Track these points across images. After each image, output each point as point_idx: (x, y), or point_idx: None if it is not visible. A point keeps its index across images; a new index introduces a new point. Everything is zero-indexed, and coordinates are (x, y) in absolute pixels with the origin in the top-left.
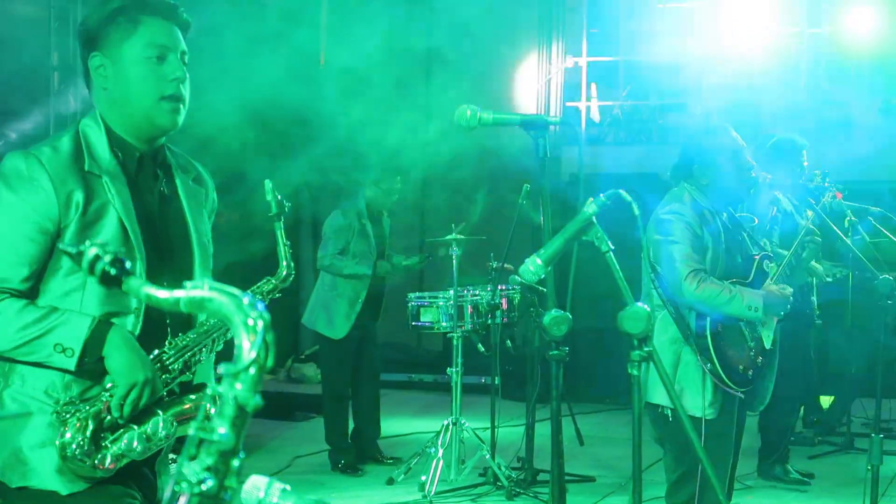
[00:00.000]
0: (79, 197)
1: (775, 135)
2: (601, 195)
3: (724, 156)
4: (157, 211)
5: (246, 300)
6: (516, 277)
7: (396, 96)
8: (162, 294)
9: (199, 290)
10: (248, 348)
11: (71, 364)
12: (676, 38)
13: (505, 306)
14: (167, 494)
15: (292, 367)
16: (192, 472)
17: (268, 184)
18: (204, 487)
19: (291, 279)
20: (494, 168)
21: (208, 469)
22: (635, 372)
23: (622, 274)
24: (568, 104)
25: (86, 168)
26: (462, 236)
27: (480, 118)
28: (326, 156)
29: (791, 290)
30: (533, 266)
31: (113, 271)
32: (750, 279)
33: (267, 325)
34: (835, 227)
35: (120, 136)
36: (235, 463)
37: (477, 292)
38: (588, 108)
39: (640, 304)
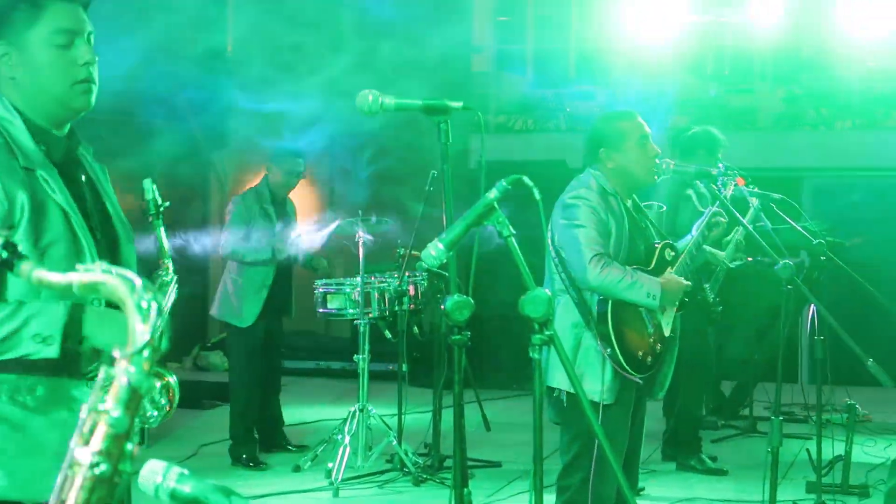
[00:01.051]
0: (22, 197)
1: (694, 126)
2: (503, 181)
3: (629, 141)
4: (89, 198)
5: (139, 283)
6: (423, 264)
7: (307, 77)
8: (55, 278)
9: (91, 273)
10: (141, 331)
11: (54, 352)
12: (585, 25)
13: (412, 293)
14: (59, 480)
15: (199, 355)
16: (84, 456)
17: (147, 183)
18: (97, 472)
19: (175, 279)
20: (406, 153)
21: (101, 453)
22: (536, 356)
23: (524, 259)
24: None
25: (21, 164)
26: (372, 219)
27: (382, 104)
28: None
29: (688, 284)
30: (435, 251)
31: (4, 254)
32: (651, 267)
33: (160, 308)
34: (737, 214)
35: (37, 124)
36: (129, 447)
37: (384, 279)
38: (496, 96)
39: (541, 288)
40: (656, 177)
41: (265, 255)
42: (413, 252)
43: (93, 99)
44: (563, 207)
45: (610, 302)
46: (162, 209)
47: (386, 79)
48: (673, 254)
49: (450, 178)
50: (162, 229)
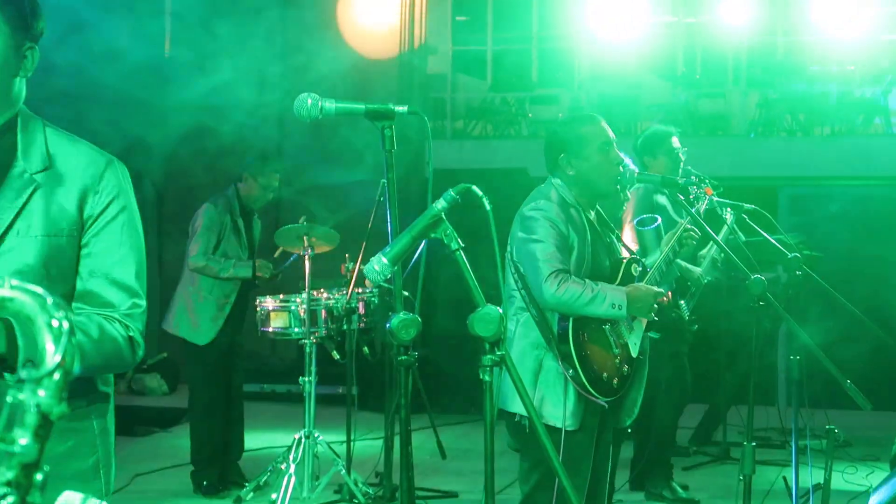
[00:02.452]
0: None
1: (651, 127)
2: (451, 190)
3: (590, 146)
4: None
5: (49, 300)
6: (377, 278)
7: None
8: None
9: None
10: (52, 352)
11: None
12: (548, 25)
13: (362, 310)
14: None
15: (133, 378)
16: None
17: None
18: None
19: None
20: (356, 160)
21: (9, 484)
22: (487, 378)
23: (477, 274)
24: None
25: None
26: (321, 229)
27: (322, 108)
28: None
29: (660, 290)
30: (378, 265)
31: None
32: (617, 283)
33: (72, 328)
34: (707, 227)
35: None
36: (39, 477)
37: (332, 295)
38: (452, 99)
39: (492, 305)
40: (618, 186)
41: (244, 274)
42: (363, 266)
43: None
44: (522, 220)
45: (571, 319)
46: None
47: (333, 81)
48: (640, 269)
49: (395, 188)
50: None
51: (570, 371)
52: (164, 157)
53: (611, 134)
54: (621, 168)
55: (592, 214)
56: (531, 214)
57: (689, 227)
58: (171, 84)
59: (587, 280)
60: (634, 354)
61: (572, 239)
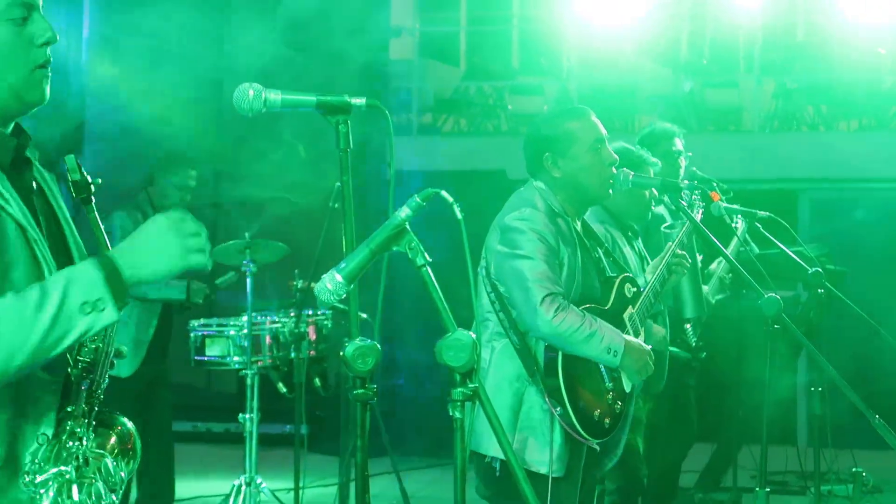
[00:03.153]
0: None
1: (651, 125)
2: (416, 196)
3: (579, 145)
4: (41, 211)
5: None
6: (330, 299)
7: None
8: None
9: None
10: None
11: (112, 315)
12: (531, 4)
13: (313, 336)
14: None
15: None
16: None
17: (70, 160)
18: None
19: None
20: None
21: None
22: (458, 415)
23: (444, 293)
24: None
25: None
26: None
27: (266, 100)
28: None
29: (649, 348)
30: (331, 283)
31: None
32: (608, 305)
33: None
34: (714, 239)
35: None
36: None
37: (278, 319)
38: (419, 90)
39: (463, 330)
40: (610, 190)
41: (176, 296)
42: (313, 284)
43: (49, 90)
44: (503, 231)
45: (560, 350)
46: (94, 191)
47: (282, 68)
48: (634, 290)
49: (351, 193)
50: (97, 217)
51: (559, 409)
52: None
53: (602, 130)
54: (614, 170)
55: (579, 225)
56: (515, 225)
57: (679, 252)
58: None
59: (586, 313)
60: (627, 389)
61: (563, 254)
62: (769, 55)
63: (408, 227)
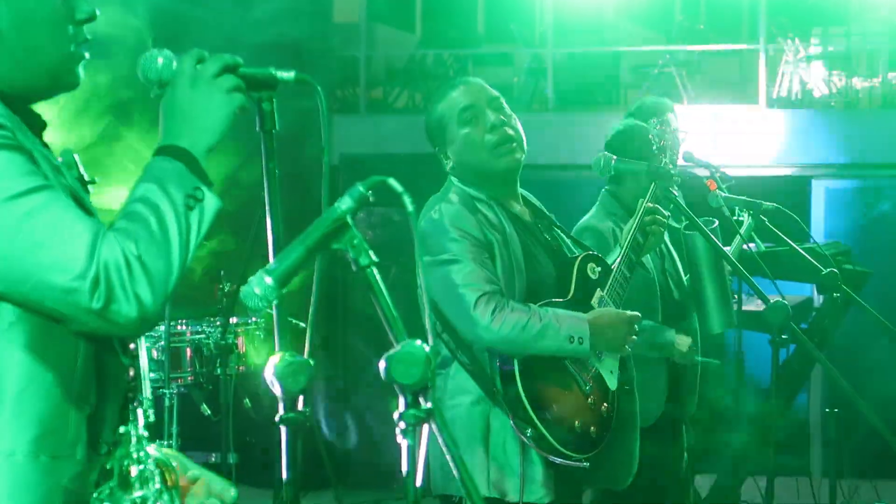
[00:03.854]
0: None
1: (640, 99)
2: (358, 185)
3: (450, 123)
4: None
5: None
6: (259, 305)
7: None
8: None
9: None
10: None
11: (215, 201)
12: None
13: (242, 349)
14: None
15: None
16: None
17: (67, 155)
18: None
19: None
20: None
21: None
22: (410, 441)
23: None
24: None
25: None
26: None
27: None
28: None
29: (634, 314)
30: (260, 287)
31: None
32: (570, 294)
33: None
34: (710, 234)
35: (9, 95)
36: None
37: (201, 329)
38: (367, 59)
39: (415, 341)
40: (517, 156)
41: None
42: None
43: (82, 73)
44: (422, 238)
45: (515, 358)
46: (90, 192)
47: (189, 31)
48: (599, 269)
49: (277, 183)
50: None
51: (529, 431)
52: None
53: (478, 95)
54: (510, 130)
55: (518, 206)
56: (433, 227)
57: (651, 206)
58: None
59: (532, 305)
60: (613, 387)
61: (492, 243)
62: (778, 17)
63: (350, 220)
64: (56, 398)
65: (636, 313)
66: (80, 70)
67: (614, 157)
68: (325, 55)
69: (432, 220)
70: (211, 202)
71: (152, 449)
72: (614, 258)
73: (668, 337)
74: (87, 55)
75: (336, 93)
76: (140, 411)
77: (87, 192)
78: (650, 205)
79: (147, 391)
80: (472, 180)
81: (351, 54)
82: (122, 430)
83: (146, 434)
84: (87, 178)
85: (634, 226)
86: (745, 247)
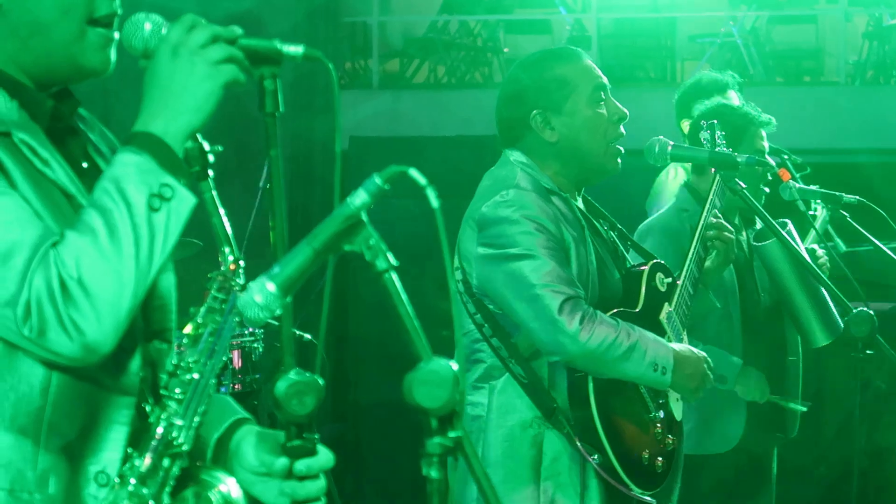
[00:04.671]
0: None
1: (698, 75)
2: (375, 176)
3: (577, 95)
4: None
5: None
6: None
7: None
8: None
9: None
10: None
11: (189, 198)
12: None
13: (238, 364)
14: None
15: None
16: None
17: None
18: None
19: (242, 268)
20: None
21: None
22: (435, 474)
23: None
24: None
25: None
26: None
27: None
28: None
29: (704, 355)
30: (262, 296)
31: None
32: (638, 307)
33: None
34: (781, 232)
35: (12, 78)
36: None
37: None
38: (381, 27)
39: (441, 359)
40: (619, 161)
41: None
42: (239, 293)
43: (113, 56)
44: (483, 226)
45: (590, 374)
46: (210, 163)
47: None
48: (668, 280)
49: (281, 172)
50: (214, 195)
51: (596, 457)
52: None
53: (603, 77)
54: (622, 129)
55: (580, 202)
56: (499, 214)
57: (715, 221)
58: None
59: (617, 318)
60: (679, 417)
61: (568, 243)
62: None
63: (365, 218)
64: (14, 428)
65: (704, 354)
66: (108, 52)
67: (671, 142)
68: (333, 22)
69: (498, 205)
70: (183, 200)
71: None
72: (679, 271)
73: (730, 368)
74: (115, 34)
75: (345, 65)
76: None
77: (202, 176)
78: (713, 219)
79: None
80: (562, 164)
81: (361, 20)
82: (135, 460)
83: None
84: (205, 147)
85: (696, 239)
86: (817, 246)
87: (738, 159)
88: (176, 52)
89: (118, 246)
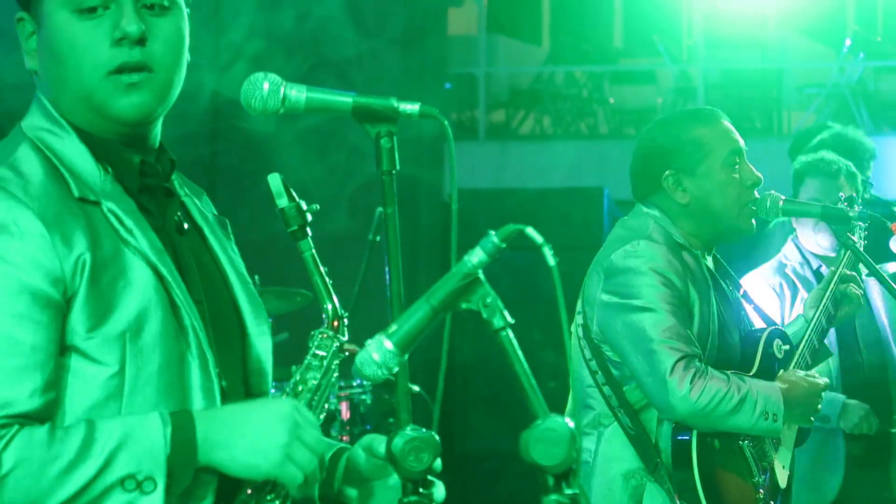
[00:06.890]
0: (80, 244)
1: (831, 127)
2: (492, 234)
3: (712, 159)
4: (189, 258)
5: None
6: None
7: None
8: None
9: None
10: None
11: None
12: None
13: (346, 415)
14: None
15: None
16: None
17: (275, 181)
18: None
19: (346, 323)
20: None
21: None
22: None
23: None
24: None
25: (75, 194)
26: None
27: (287, 97)
28: None
29: (825, 381)
30: (379, 353)
31: None
32: (752, 371)
33: None
34: (891, 285)
35: (98, 137)
36: None
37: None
38: (487, 77)
39: (558, 416)
40: (754, 221)
41: None
42: (348, 347)
43: (150, 100)
44: (610, 274)
45: (695, 431)
46: (310, 220)
47: (282, 52)
48: (787, 348)
49: (396, 228)
50: (313, 255)
51: None
52: None
53: (740, 140)
54: (756, 193)
55: (710, 261)
56: (628, 265)
57: (847, 273)
58: None
59: (729, 373)
60: (783, 485)
61: (692, 300)
62: None
63: (482, 276)
64: None
65: (826, 381)
66: (135, 98)
67: (783, 196)
68: (439, 72)
69: (630, 256)
70: (151, 501)
71: None
72: (800, 332)
73: (833, 404)
74: (134, 78)
75: (451, 116)
76: None
77: (301, 235)
78: (847, 272)
79: None
80: (695, 224)
81: (468, 71)
82: None
83: None
84: (303, 206)
85: (827, 295)
86: None
87: (850, 214)
88: (285, 418)
89: (61, 483)
